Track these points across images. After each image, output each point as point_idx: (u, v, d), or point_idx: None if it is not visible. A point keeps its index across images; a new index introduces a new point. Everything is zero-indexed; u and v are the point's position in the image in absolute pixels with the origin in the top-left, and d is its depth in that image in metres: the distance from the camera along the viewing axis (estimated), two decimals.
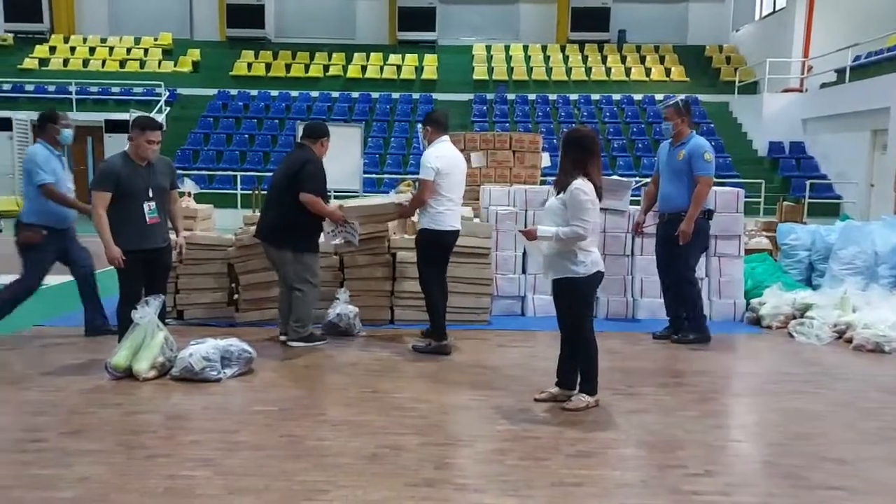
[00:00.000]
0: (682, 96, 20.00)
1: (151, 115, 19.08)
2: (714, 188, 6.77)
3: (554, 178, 4.37)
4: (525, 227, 6.23)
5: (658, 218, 6.07)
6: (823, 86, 17.81)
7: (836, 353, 5.65)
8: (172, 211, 5.22)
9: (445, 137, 5.47)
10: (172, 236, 5.26)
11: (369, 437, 3.78)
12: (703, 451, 3.66)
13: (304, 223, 5.46)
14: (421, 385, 4.71)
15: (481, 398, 4.46)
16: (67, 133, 5.73)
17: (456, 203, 5.43)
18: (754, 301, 6.73)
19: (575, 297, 4.22)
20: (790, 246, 7.56)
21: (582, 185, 4.09)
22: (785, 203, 11.57)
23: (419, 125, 5.68)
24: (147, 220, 4.90)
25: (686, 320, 5.95)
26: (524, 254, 6.82)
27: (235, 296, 6.47)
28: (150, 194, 4.91)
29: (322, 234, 5.71)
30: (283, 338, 5.67)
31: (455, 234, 5.49)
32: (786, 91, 18.88)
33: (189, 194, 7.22)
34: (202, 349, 4.74)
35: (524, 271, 6.82)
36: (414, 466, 3.43)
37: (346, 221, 5.63)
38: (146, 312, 4.76)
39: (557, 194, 4.23)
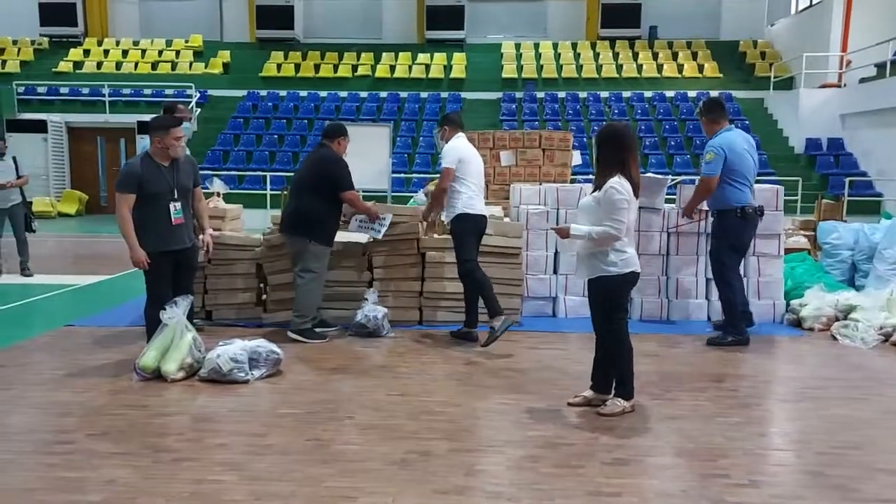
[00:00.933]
0: (713, 94, 19.67)
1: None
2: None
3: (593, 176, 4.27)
4: (557, 224, 6.12)
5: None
6: (863, 80, 17.32)
7: (883, 357, 5.42)
8: (198, 209, 5.19)
9: (461, 133, 5.81)
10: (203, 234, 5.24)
11: (398, 442, 3.69)
12: (746, 459, 3.50)
13: (323, 216, 5.64)
14: (450, 388, 4.61)
15: (512, 402, 4.35)
16: (186, 126, 5.67)
17: (480, 190, 5.74)
18: (795, 302, 6.51)
19: (607, 297, 4.08)
20: (832, 245, 7.32)
21: (617, 184, 3.94)
22: (824, 201, 11.26)
23: (436, 130, 6.02)
24: (172, 220, 4.85)
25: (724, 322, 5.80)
26: (556, 253, 6.68)
27: (264, 296, 6.44)
28: (175, 194, 4.87)
29: (350, 225, 6.03)
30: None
31: (485, 219, 5.75)
32: (823, 86, 18.41)
33: (218, 194, 7.21)
34: (230, 350, 4.69)
35: (555, 272, 6.68)
36: (444, 473, 3.33)
37: (379, 217, 5.92)
38: (175, 313, 4.72)
39: (593, 191, 4.10)
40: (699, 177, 5.83)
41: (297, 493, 3.13)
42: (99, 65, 21.75)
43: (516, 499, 3.08)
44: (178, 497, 3.08)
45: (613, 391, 4.18)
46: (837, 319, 6.12)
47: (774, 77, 19.66)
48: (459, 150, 5.68)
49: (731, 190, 5.65)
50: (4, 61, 21.67)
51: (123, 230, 4.78)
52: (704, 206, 6.04)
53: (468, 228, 5.63)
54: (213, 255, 6.22)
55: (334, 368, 5.04)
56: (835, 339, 5.86)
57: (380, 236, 5.96)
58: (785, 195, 6.63)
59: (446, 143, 5.77)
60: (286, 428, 3.88)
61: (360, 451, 3.59)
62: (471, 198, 5.62)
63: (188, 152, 5.29)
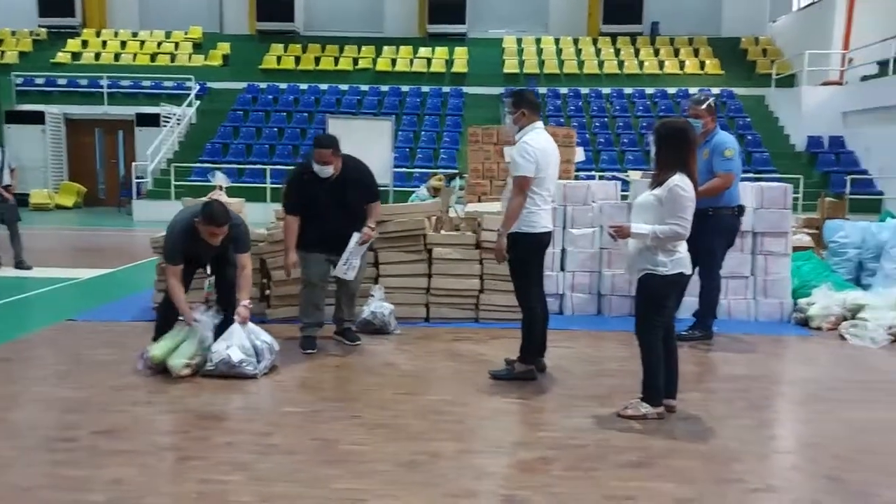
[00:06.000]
0: (715, 91, 19.57)
1: (181, 108, 19.17)
2: (760, 184, 6.57)
3: (652, 173, 4.08)
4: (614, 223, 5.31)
5: None
6: (864, 78, 17.28)
7: (894, 357, 5.37)
8: (237, 277, 4.85)
9: (540, 123, 4.56)
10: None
11: (406, 443, 3.63)
12: (761, 464, 3.45)
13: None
14: (458, 387, 4.54)
15: (520, 401, 4.29)
16: None
17: (548, 201, 4.58)
18: (802, 301, 6.45)
19: (648, 296, 3.92)
20: (839, 244, 7.26)
21: (682, 182, 3.80)
22: (827, 199, 11.18)
23: (507, 109, 4.66)
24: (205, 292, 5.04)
25: (695, 315, 5.85)
26: (563, 250, 6.62)
27: (267, 291, 6.36)
28: (208, 270, 4.94)
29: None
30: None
31: (549, 235, 4.65)
32: (825, 84, 18.35)
33: (220, 188, 7.13)
34: (238, 342, 4.61)
35: (562, 269, 6.62)
36: (453, 475, 3.27)
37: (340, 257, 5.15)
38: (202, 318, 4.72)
39: (653, 189, 3.92)
40: (720, 172, 5.51)
41: (304, 494, 3.07)
42: (97, 56, 21.61)
43: (529, 502, 3.03)
44: (185, 497, 3.02)
45: (641, 393, 4.01)
46: (845, 319, 6.07)
47: (776, 74, 19.59)
48: (539, 151, 4.40)
49: (734, 189, 5.66)
50: (3, 52, 21.52)
51: (172, 298, 4.72)
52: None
53: (529, 253, 4.59)
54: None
55: (339, 366, 4.98)
56: (843, 338, 5.81)
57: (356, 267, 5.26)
58: None
59: (519, 129, 4.54)
60: (292, 427, 3.82)
61: (367, 451, 3.53)
62: (533, 213, 4.45)
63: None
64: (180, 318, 4.77)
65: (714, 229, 5.71)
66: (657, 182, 3.91)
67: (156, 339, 4.79)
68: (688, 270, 3.94)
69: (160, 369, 4.59)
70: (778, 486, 3.21)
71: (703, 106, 5.65)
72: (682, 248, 3.92)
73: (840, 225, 7.42)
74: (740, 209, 5.72)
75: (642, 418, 3.94)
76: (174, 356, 4.58)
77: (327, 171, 5.09)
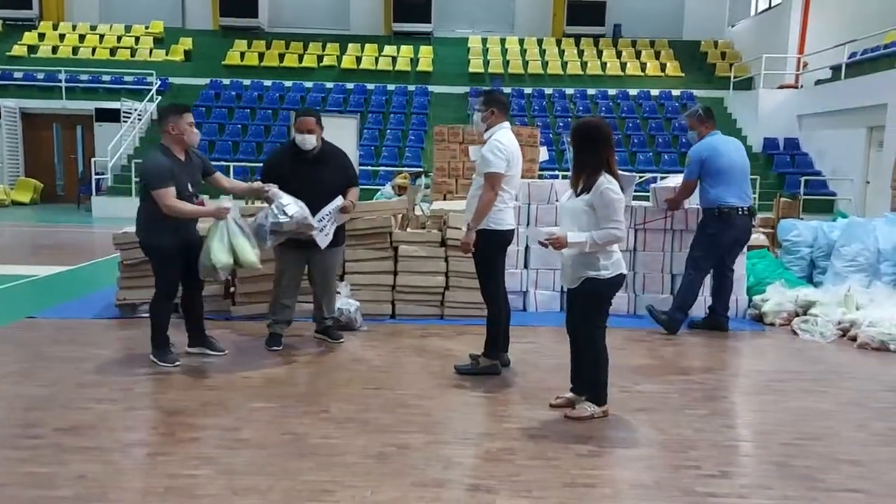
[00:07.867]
0: (675, 93, 19.97)
1: (142, 103, 18.89)
2: None
3: (570, 176, 4.05)
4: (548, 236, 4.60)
5: None
6: (819, 82, 17.78)
7: (841, 352, 5.60)
8: (232, 187, 5.19)
9: (507, 123, 4.70)
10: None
11: (375, 435, 3.69)
12: (715, 451, 3.59)
13: None
14: (425, 381, 4.62)
15: (486, 395, 4.39)
16: None
17: (514, 199, 4.76)
18: (756, 298, 6.68)
19: (593, 300, 3.93)
20: (792, 242, 7.51)
21: (610, 185, 3.77)
22: (782, 200, 11.52)
23: (477, 106, 4.77)
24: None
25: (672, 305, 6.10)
26: (526, 248, 6.74)
27: (232, 288, 6.36)
28: (190, 188, 4.73)
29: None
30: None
31: (513, 233, 4.80)
32: (781, 87, 18.85)
33: None
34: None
35: (526, 266, 6.74)
36: (422, 466, 3.35)
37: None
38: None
39: (578, 194, 3.89)
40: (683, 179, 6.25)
41: (274, 486, 3.11)
42: (54, 49, 21.16)
43: (494, 490, 3.12)
44: (152, 492, 3.04)
45: (586, 395, 4.07)
46: (797, 315, 6.31)
47: (734, 77, 20.04)
48: (509, 150, 4.54)
49: (711, 191, 5.91)
50: None
51: (186, 213, 4.62)
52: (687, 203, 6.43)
53: (495, 250, 4.71)
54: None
55: (308, 362, 5.03)
56: (795, 333, 6.03)
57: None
58: None
59: (488, 127, 4.66)
60: (261, 422, 3.85)
61: (336, 444, 3.58)
62: (501, 210, 4.59)
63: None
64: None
65: (698, 228, 6.08)
66: (583, 186, 3.85)
67: (156, 344, 4.78)
68: (625, 269, 3.98)
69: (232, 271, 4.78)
70: (730, 471, 3.36)
71: (693, 117, 6.15)
72: (617, 248, 3.94)
73: (793, 224, 7.67)
74: (720, 210, 5.86)
75: (589, 418, 3.96)
76: (241, 253, 4.61)
77: (310, 140, 5.07)
